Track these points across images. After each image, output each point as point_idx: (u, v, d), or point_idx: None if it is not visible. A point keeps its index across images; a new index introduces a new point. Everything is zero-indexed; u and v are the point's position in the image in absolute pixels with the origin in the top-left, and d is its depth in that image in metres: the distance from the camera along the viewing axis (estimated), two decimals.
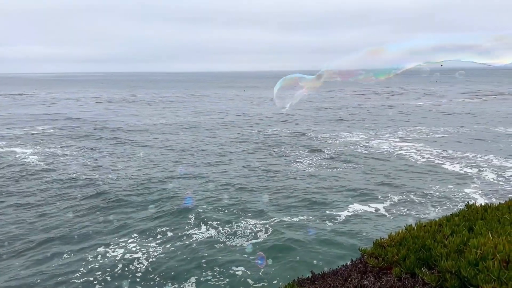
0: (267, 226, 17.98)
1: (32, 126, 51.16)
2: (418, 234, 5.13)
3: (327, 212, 19.86)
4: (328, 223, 18.47)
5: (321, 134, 42.28)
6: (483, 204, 6.12)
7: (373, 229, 17.87)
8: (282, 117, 57.27)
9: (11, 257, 15.79)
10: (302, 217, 19.09)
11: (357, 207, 20.52)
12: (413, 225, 5.64)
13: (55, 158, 32.79)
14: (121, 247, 16.30)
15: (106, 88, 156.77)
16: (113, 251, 15.99)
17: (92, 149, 36.18)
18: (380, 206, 20.70)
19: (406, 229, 5.58)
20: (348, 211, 19.95)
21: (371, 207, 20.57)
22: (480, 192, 22.87)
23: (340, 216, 19.29)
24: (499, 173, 26.58)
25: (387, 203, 21.05)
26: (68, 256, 15.71)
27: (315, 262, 14.81)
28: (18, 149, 36.28)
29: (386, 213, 19.76)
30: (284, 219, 18.85)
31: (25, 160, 32.03)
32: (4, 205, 21.65)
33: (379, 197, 21.99)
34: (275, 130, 45.34)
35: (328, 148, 34.77)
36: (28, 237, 17.55)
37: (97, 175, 27.17)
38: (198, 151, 35.08)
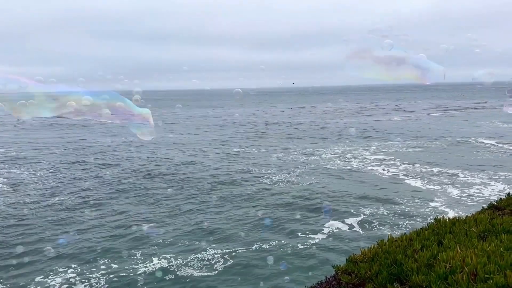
0: (235, 251, 17.50)
1: None
2: (389, 249, 5.19)
3: (301, 229, 19.82)
4: (303, 242, 18.41)
5: (291, 151, 42.54)
6: (451, 217, 6.27)
7: (348, 245, 17.97)
8: (252, 135, 57.46)
9: None
10: (276, 237, 18.91)
11: (332, 223, 20.59)
12: (385, 240, 5.70)
13: (18, 180, 31.62)
14: (59, 277, 15.47)
15: None
16: (51, 281, 15.21)
17: (51, 171, 35.11)
18: (353, 221, 20.87)
19: (378, 244, 5.63)
20: (322, 228, 19.99)
21: (345, 223, 20.69)
22: (447, 205, 23.49)
23: (314, 234, 19.26)
24: (466, 185, 27.43)
25: (360, 218, 21.27)
26: (6, 283, 15.02)
27: (289, 282, 14.66)
28: None
29: (360, 229, 19.93)
30: (252, 245, 18.43)
31: None
32: None
33: (352, 211, 22.23)
34: (243, 148, 45.23)
35: (299, 166, 34.96)
36: None
37: (50, 198, 26.40)
38: (156, 173, 34.56)
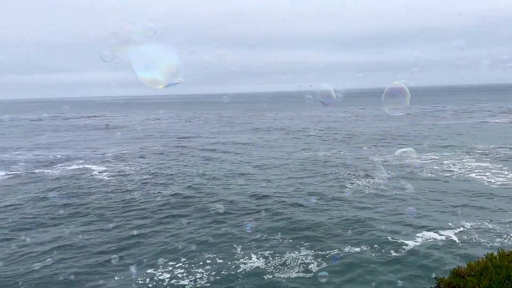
0: (324, 256, 17.30)
1: (108, 147, 54.81)
2: (501, 263, 4.82)
3: (393, 239, 18.92)
4: (395, 251, 17.61)
5: (382, 155, 40.87)
6: None
7: (444, 257, 16.79)
8: (337, 138, 56.29)
9: (64, 268, 16.81)
10: (364, 246, 18.24)
11: (425, 234, 19.37)
12: (495, 254, 5.30)
13: (123, 175, 34.80)
14: (168, 272, 16.35)
15: (170, 109, 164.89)
16: (161, 275, 16.09)
17: (158, 166, 37.96)
18: (451, 233, 19.41)
19: (486, 258, 5.26)
20: (415, 239, 18.89)
21: (441, 234, 19.32)
22: None
23: (407, 244, 18.22)
24: None
25: (459, 230, 19.71)
26: (117, 274, 16.27)
27: None
28: (94, 167, 39.05)
29: (458, 241, 18.46)
30: (344, 248, 18.00)
31: (97, 176, 34.36)
32: (66, 217, 23.63)
33: (450, 224, 20.66)
34: (327, 152, 44.42)
35: (390, 170, 33.46)
36: (80, 248, 18.85)
37: (156, 192, 28.59)
38: (255, 172, 35.40)
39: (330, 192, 27.29)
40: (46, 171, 37.59)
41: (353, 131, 64.39)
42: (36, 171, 37.58)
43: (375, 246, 18.00)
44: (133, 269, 16.43)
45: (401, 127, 68.54)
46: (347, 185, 29.04)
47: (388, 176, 31.52)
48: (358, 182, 29.89)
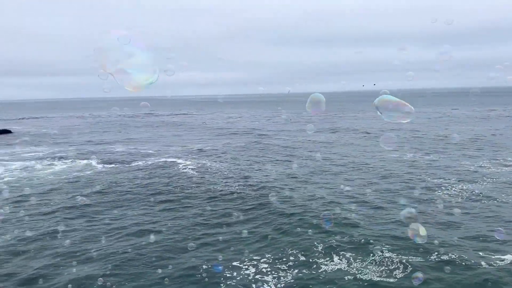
0: (408, 261, 16.51)
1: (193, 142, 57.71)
2: None
3: (484, 253, 17.47)
4: (487, 265, 16.28)
5: (475, 160, 37.75)
6: None
7: None
8: (425, 141, 53.08)
9: (153, 256, 17.84)
10: (451, 254, 17.07)
11: None
12: None
13: (207, 168, 36.43)
14: (254, 266, 16.58)
15: (252, 108, 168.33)
16: (246, 269, 16.35)
17: (241, 162, 39.14)
18: None
19: None
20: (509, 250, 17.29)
21: None
22: None
23: (502, 260, 16.72)
24: None
25: None
26: (204, 263, 16.85)
27: None
28: (180, 161, 41.46)
29: None
30: (430, 256, 16.98)
31: (183, 170, 36.39)
32: (155, 205, 25.32)
33: None
34: (414, 155, 41.98)
35: (484, 177, 30.80)
36: (164, 236, 20.04)
37: (237, 185, 29.55)
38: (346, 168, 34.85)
39: (415, 197, 25.93)
40: (138, 163, 40.76)
41: (442, 133, 60.43)
42: (130, 163, 40.89)
43: (459, 261, 16.76)
44: (219, 259, 17.09)
45: (498, 130, 62.76)
46: (436, 190, 27.34)
47: (481, 184, 29.08)
48: (446, 189, 27.97)
